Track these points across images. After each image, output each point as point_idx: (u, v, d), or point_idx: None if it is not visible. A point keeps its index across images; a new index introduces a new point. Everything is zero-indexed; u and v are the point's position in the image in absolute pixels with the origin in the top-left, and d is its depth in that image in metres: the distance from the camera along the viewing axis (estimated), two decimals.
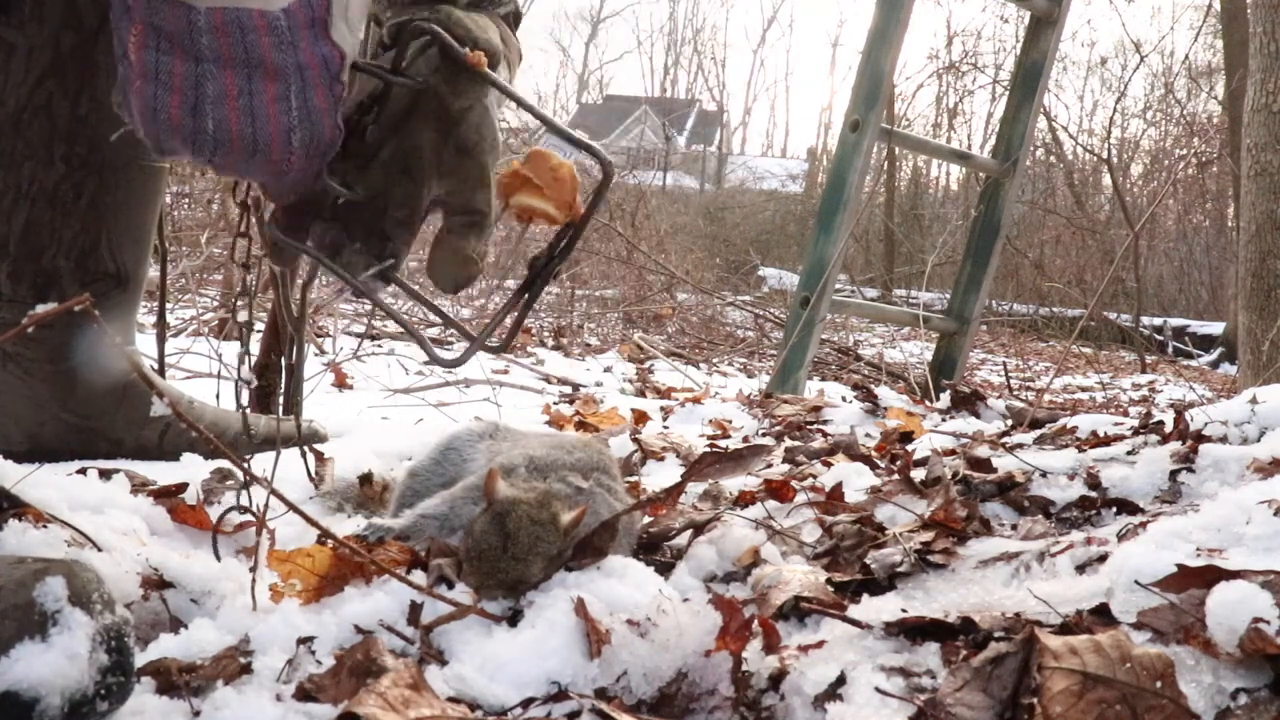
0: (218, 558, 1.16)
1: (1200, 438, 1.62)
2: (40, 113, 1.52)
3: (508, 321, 1.14)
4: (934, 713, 0.82)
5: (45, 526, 1.09)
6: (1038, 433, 2.07)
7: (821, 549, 1.30)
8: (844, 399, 3.12)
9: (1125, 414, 2.81)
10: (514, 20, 1.18)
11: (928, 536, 1.26)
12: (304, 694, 0.88)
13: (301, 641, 0.96)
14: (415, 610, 1.03)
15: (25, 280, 1.57)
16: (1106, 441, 1.79)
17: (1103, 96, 20.67)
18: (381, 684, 0.83)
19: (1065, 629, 0.95)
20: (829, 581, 1.14)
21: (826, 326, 4.44)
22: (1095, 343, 10.65)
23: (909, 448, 2.10)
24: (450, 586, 1.09)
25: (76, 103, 1.53)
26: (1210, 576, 0.93)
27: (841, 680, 0.90)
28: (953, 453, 1.87)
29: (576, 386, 3.56)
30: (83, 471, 1.38)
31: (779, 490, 1.56)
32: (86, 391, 1.63)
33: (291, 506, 1.05)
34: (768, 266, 13.78)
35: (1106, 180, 15.58)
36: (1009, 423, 2.55)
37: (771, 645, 0.98)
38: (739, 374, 5.01)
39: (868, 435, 2.37)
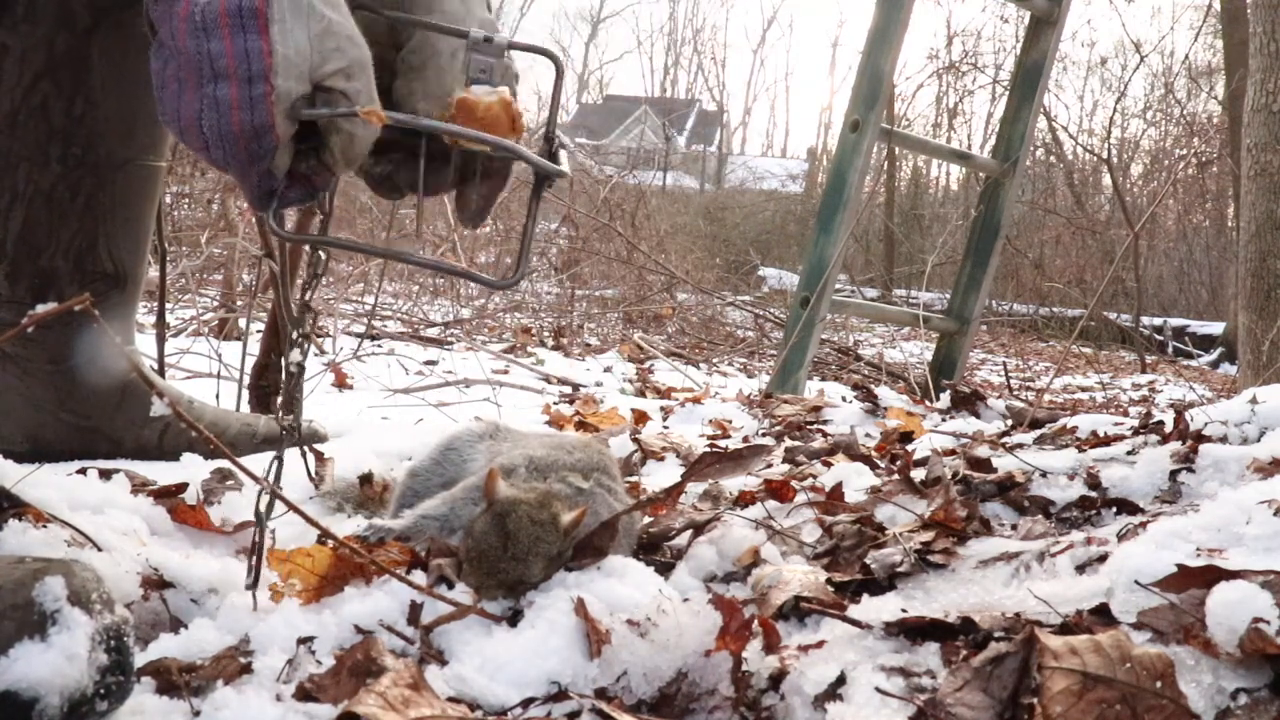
0: (254, 578, 1.09)
1: (1200, 438, 1.62)
2: (35, 114, 1.52)
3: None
4: (934, 713, 0.82)
5: (45, 526, 1.09)
6: (1038, 433, 2.07)
7: (821, 549, 1.30)
8: (844, 399, 3.12)
9: (1125, 414, 2.81)
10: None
11: (928, 536, 1.26)
12: (304, 694, 0.88)
13: (301, 641, 0.96)
14: (415, 610, 1.03)
15: (23, 281, 1.57)
16: (1106, 441, 1.78)
17: (1103, 96, 20.69)
18: (381, 684, 0.83)
19: (1065, 629, 0.95)
20: (829, 581, 1.14)
21: (826, 326, 4.44)
22: (1095, 343, 10.64)
23: (909, 448, 2.10)
24: (450, 586, 1.09)
25: (71, 103, 1.53)
26: (1210, 576, 0.93)
27: (841, 680, 0.90)
28: (953, 453, 1.87)
29: (576, 386, 3.56)
30: (83, 471, 1.38)
31: (779, 490, 1.56)
32: (86, 391, 1.63)
33: (292, 506, 1.06)
34: (768, 266, 13.78)
35: (1106, 180, 15.60)
36: (1009, 423, 2.55)
37: (771, 645, 0.98)
38: (739, 374, 5.01)
39: (868, 435, 2.37)
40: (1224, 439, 1.65)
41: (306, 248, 2.39)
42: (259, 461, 1.26)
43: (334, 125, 1.01)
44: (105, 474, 1.39)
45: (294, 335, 1.15)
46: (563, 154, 1.14)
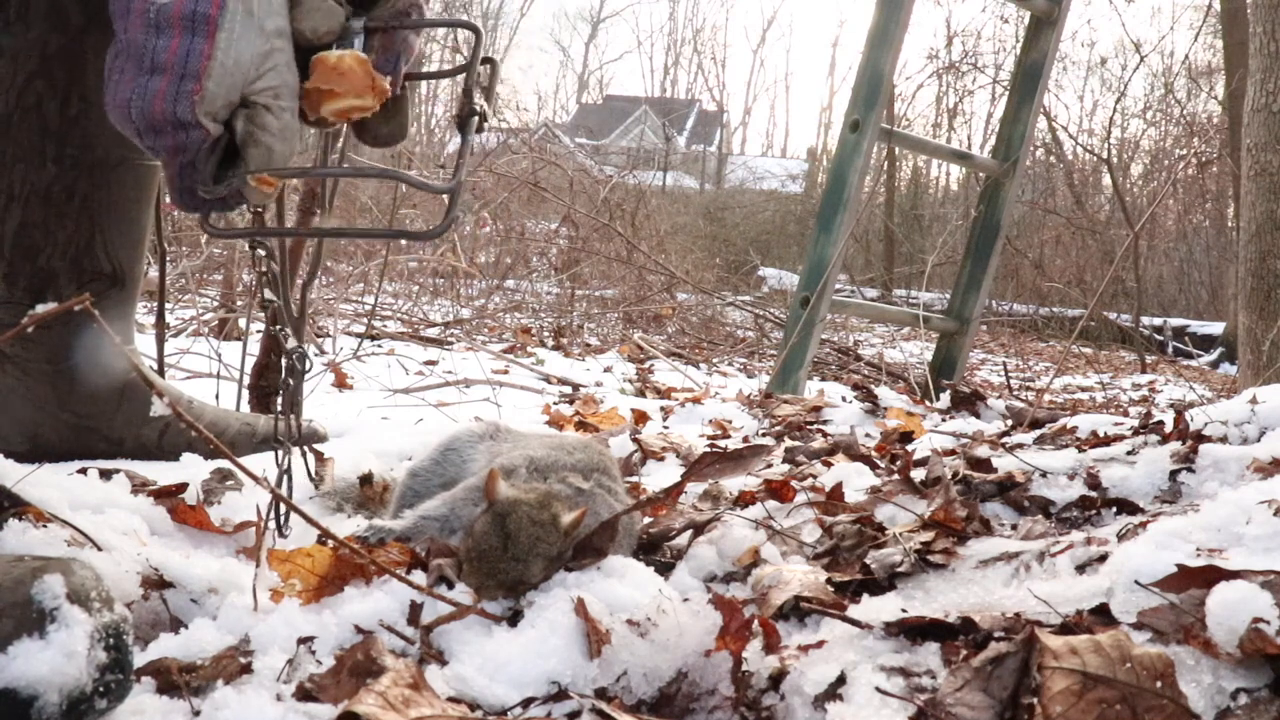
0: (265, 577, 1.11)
1: (1200, 438, 1.62)
2: (30, 114, 1.52)
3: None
4: (934, 713, 0.82)
5: (45, 526, 1.09)
6: (1038, 433, 2.07)
7: (821, 549, 1.30)
8: (844, 399, 3.12)
9: (1125, 414, 2.81)
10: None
11: (928, 536, 1.26)
12: (304, 694, 0.88)
13: (301, 641, 0.96)
14: (415, 610, 1.03)
15: (21, 282, 1.57)
16: (1106, 441, 1.78)
17: (1103, 96, 20.64)
18: (381, 684, 0.83)
19: (1065, 629, 0.95)
20: (829, 581, 1.14)
21: (826, 326, 4.44)
22: (1095, 343, 10.64)
23: (909, 448, 2.10)
24: (450, 587, 1.09)
25: (66, 103, 1.53)
26: (1210, 576, 0.93)
27: (841, 680, 0.90)
28: (953, 453, 1.87)
29: (576, 386, 3.56)
30: (83, 471, 1.38)
31: (779, 490, 1.56)
32: (86, 391, 1.62)
33: (291, 506, 1.06)
34: (768, 266, 13.76)
35: (1106, 180, 15.56)
36: (1009, 423, 2.55)
37: (771, 645, 0.98)
38: (739, 374, 5.01)
39: (868, 435, 2.37)
40: (1224, 439, 1.65)
41: (309, 247, 2.38)
42: (259, 461, 1.26)
43: (252, 138, 1.06)
44: (105, 474, 1.39)
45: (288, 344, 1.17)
46: (478, 121, 1.18)
